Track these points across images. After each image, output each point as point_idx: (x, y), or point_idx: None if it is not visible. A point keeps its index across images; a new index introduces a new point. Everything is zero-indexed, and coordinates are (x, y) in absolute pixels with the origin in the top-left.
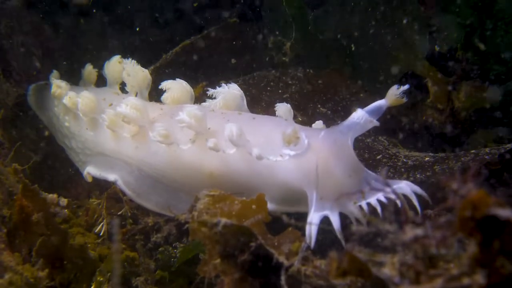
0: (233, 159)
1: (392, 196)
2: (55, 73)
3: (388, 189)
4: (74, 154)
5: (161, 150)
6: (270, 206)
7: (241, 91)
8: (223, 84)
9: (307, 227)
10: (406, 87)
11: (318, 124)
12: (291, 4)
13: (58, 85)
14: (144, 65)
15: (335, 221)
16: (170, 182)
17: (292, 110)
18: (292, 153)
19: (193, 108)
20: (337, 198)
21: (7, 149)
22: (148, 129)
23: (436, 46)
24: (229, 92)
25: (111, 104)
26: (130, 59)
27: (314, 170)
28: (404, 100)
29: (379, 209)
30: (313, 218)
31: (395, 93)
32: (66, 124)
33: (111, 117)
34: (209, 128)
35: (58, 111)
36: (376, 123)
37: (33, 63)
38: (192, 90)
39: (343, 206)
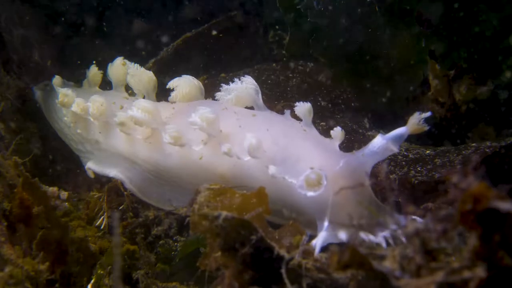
0: (247, 164)
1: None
2: (57, 78)
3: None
4: (90, 155)
5: (174, 152)
6: (279, 221)
7: (256, 85)
8: (236, 79)
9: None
10: (428, 114)
11: (337, 131)
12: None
13: (64, 93)
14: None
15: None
16: (186, 184)
17: (312, 110)
18: (309, 193)
19: (206, 111)
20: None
21: (8, 142)
22: (162, 131)
23: (437, 65)
24: (242, 89)
25: (122, 107)
26: (133, 63)
27: (329, 203)
28: (426, 128)
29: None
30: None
31: (416, 122)
32: (79, 131)
33: (123, 120)
34: (221, 131)
35: (68, 120)
36: (396, 150)
37: (34, 57)
38: (201, 84)
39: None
